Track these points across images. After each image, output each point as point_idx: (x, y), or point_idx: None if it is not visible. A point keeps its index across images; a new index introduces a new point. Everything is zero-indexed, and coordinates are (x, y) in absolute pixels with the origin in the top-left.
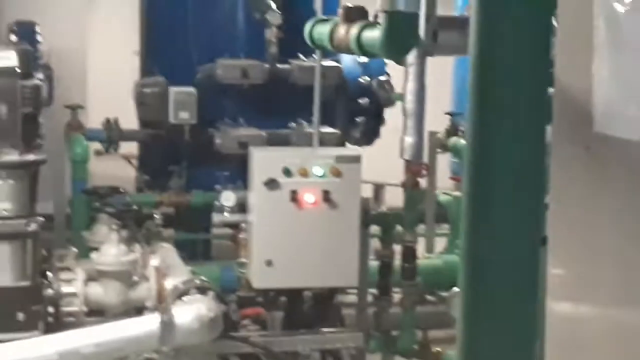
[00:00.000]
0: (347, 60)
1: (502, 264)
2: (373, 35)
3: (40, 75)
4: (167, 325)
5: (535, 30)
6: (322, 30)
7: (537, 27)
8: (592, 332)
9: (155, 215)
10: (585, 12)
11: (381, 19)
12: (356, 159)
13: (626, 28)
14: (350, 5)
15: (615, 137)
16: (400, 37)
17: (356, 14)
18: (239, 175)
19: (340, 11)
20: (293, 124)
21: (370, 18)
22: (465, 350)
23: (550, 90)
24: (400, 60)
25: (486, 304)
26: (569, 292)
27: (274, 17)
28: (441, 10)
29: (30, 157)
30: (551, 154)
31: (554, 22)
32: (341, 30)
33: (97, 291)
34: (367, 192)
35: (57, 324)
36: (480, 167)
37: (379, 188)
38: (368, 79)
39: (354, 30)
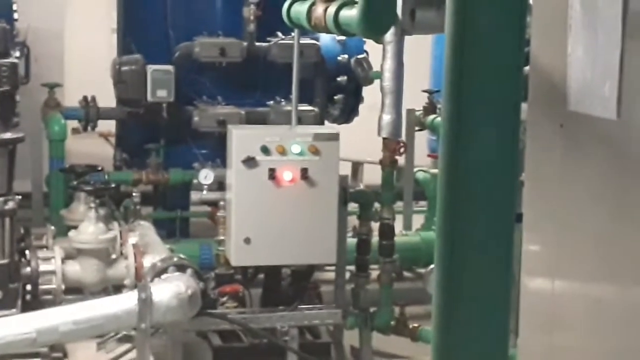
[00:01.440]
0: (326, 39)
1: (478, 240)
2: (351, 14)
3: (17, 54)
4: (145, 303)
5: (511, 9)
6: (299, 9)
7: (512, 6)
8: (567, 308)
9: (133, 193)
10: None
11: None
12: (334, 137)
13: (601, 7)
14: None
15: (590, 116)
16: (378, 15)
17: None
18: (217, 153)
19: None
20: (271, 102)
21: None
22: (440, 326)
23: (526, 69)
24: (378, 39)
25: (461, 280)
26: (544, 268)
27: None
28: None
29: (8, 135)
30: (526, 131)
31: (530, 1)
32: (319, 9)
33: (75, 269)
34: (346, 169)
35: (35, 301)
36: (456, 145)
37: (357, 166)
38: (346, 57)
39: (332, 8)
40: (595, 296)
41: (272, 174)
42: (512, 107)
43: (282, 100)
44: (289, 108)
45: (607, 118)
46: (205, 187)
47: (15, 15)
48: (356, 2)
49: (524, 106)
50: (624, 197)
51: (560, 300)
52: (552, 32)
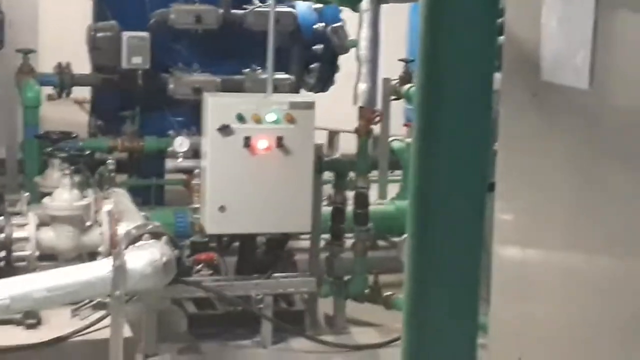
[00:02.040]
0: (302, 7)
1: (450, 209)
2: None
3: None
4: (120, 270)
5: None
6: None
7: None
8: (539, 276)
9: (108, 161)
10: None
11: None
12: (310, 105)
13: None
14: None
15: (562, 86)
16: None
17: None
18: (193, 120)
19: None
20: (247, 70)
21: None
22: (412, 294)
23: (500, 39)
24: (354, 7)
25: (433, 249)
26: (517, 236)
27: None
28: None
29: None
30: (500, 101)
31: None
32: None
33: (50, 236)
34: (321, 138)
35: (9, 268)
36: (429, 114)
37: (332, 134)
38: (322, 25)
39: None
40: (567, 265)
41: (247, 142)
42: (486, 76)
43: (258, 68)
44: (264, 76)
45: (579, 88)
46: (181, 154)
47: None
48: None
49: (497, 76)
50: (596, 166)
51: (531, 269)
52: (526, 2)
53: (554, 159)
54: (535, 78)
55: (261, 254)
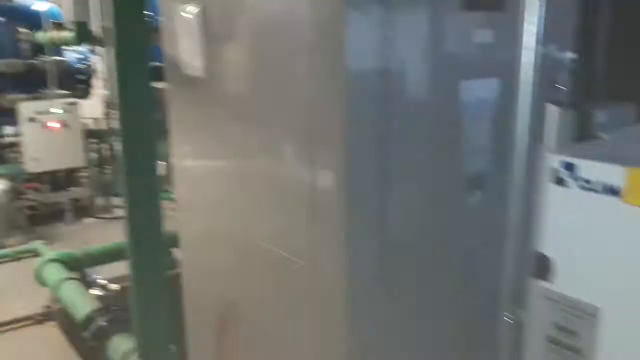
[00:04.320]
0: (71, 55)
1: (142, 147)
2: (69, 35)
3: None
4: None
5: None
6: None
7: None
8: (197, 174)
9: None
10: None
11: (74, 27)
12: (75, 104)
13: (192, 27)
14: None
15: (190, 75)
16: (83, 35)
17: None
18: (14, 118)
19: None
20: (43, 90)
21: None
22: (126, 189)
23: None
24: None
25: (137, 170)
26: (180, 156)
27: (26, 35)
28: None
29: None
30: (167, 86)
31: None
32: (54, 34)
33: None
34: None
35: None
36: (124, 115)
37: (97, 120)
38: (82, 65)
39: (63, 34)
40: (205, 165)
41: (44, 125)
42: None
43: (48, 88)
44: (50, 92)
45: (199, 76)
46: (8, 135)
47: None
48: (72, 29)
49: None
50: (209, 112)
51: (194, 170)
52: (171, 39)
53: (192, 111)
54: (180, 72)
55: (62, 179)
